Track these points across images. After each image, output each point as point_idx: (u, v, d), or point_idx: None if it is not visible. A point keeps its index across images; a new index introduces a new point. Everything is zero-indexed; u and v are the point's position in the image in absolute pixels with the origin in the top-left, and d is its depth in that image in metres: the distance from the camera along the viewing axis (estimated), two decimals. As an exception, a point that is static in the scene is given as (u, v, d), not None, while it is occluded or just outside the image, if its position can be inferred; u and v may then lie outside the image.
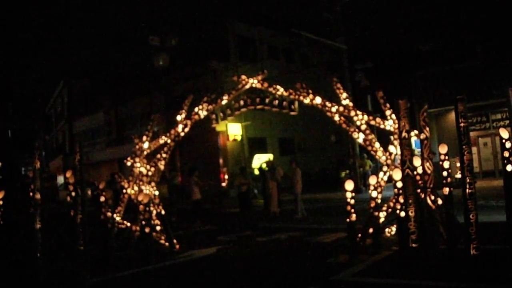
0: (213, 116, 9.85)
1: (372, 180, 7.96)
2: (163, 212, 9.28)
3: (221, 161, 24.28)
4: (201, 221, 12.92)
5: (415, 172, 6.65)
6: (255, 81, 9.52)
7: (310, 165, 26.65)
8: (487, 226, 7.72)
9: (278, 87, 9.21)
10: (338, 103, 8.73)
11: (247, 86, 9.63)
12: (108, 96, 33.01)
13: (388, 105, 8.30)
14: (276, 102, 9.24)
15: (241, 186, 13.81)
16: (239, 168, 16.20)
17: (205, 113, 9.76)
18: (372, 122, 8.39)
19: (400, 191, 6.73)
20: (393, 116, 7.95)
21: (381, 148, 8.36)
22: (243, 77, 9.71)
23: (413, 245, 6.30)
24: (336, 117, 8.65)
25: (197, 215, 13.27)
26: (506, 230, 6.32)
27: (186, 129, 9.79)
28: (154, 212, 8.99)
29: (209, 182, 13.23)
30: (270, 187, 13.77)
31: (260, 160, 23.33)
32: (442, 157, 6.94)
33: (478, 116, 19.33)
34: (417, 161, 6.81)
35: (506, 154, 6.36)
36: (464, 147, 6.07)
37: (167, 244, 8.92)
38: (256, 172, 19.06)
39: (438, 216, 6.94)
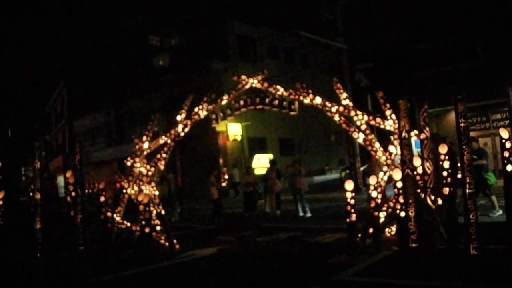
0: (213, 116, 9.86)
1: (372, 180, 7.96)
2: (163, 212, 9.29)
3: (221, 161, 24.26)
4: (218, 220, 13.53)
5: (415, 172, 6.65)
6: (255, 81, 9.52)
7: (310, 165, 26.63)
8: (487, 226, 7.72)
9: (278, 87, 9.20)
10: (338, 103, 8.73)
11: (247, 86, 9.63)
12: (108, 96, 33.00)
13: (388, 105, 8.31)
14: (276, 102, 9.24)
15: (248, 186, 13.72)
16: (245, 168, 16.10)
17: (205, 113, 9.77)
18: (372, 122, 8.39)
19: (400, 191, 6.73)
20: (393, 116, 7.95)
21: (381, 148, 8.36)
22: (243, 77, 9.71)
23: (413, 245, 6.29)
24: (336, 117, 8.65)
25: (216, 213, 13.81)
26: (506, 230, 6.32)
27: (186, 129, 9.80)
28: (154, 212, 8.99)
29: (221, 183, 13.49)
30: (269, 187, 13.73)
31: (260, 160, 23.38)
32: (442, 157, 6.94)
33: (478, 116, 19.33)
34: (417, 161, 6.81)
35: (506, 154, 6.35)
36: (464, 147, 6.07)
37: (167, 244, 8.92)
38: (258, 172, 19.00)
39: (438, 216, 6.94)
